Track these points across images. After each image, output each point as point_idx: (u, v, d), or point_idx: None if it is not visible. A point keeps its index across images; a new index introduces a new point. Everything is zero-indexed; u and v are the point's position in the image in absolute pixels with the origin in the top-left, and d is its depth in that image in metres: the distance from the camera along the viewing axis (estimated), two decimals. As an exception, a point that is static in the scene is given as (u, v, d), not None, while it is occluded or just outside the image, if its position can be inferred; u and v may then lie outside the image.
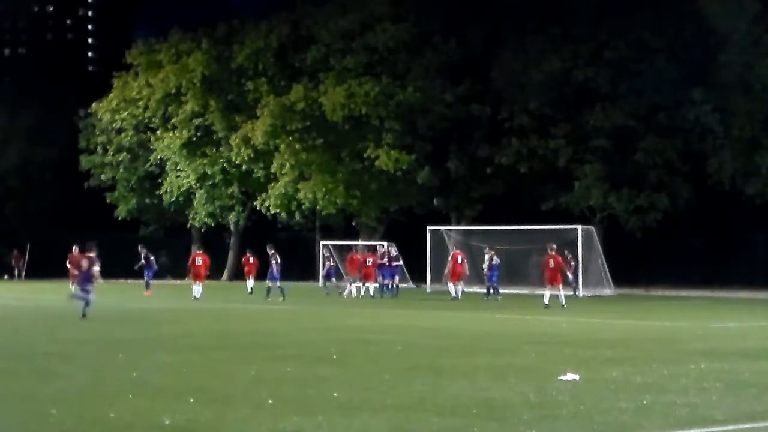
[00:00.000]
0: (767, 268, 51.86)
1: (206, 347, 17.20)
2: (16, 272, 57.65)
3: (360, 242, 51.71)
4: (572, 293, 38.05)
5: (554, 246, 32.53)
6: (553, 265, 31.79)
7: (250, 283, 40.91)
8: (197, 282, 36.72)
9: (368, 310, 29.60)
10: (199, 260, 37.91)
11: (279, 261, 36.61)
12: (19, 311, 28.67)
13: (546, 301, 31.54)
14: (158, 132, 59.84)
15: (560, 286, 32.10)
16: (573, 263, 38.78)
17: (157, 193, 60.30)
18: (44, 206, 66.13)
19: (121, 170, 61.83)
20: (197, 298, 35.69)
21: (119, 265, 53.73)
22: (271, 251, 36.79)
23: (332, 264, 43.88)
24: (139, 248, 39.57)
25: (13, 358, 15.16)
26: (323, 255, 46.34)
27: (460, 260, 38.19)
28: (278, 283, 36.19)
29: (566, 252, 37.78)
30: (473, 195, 52.92)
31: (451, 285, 37.69)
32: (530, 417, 9.86)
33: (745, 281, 48.45)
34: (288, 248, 44.33)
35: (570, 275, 36.69)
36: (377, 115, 50.47)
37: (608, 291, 41.77)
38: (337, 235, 56.59)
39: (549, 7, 50.96)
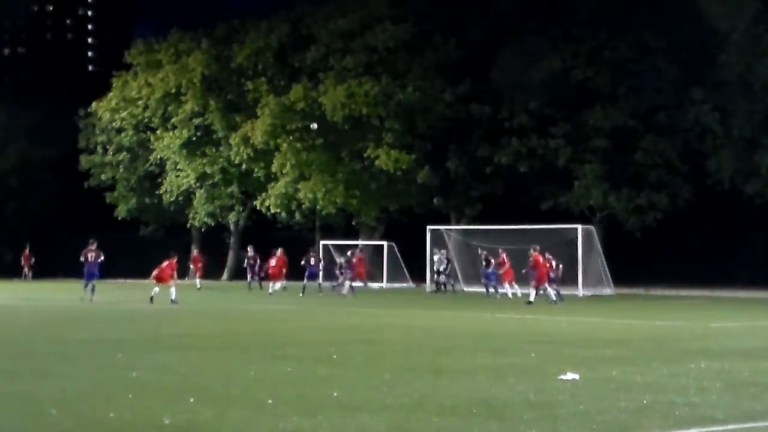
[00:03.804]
0: (767, 268, 51.87)
1: (206, 347, 17.19)
2: (25, 272, 57.21)
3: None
4: (558, 294, 37.77)
5: (537, 247, 34.01)
6: (537, 265, 33.23)
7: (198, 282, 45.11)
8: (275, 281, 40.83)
9: (368, 310, 29.61)
10: (272, 261, 41.53)
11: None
12: (20, 311, 28.66)
13: (553, 298, 32.87)
14: (158, 132, 59.82)
15: (533, 285, 33.55)
16: (560, 265, 38.67)
17: (157, 192, 60.28)
18: (44, 206, 66.11)
19: (121, 170, 61.80)
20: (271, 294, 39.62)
21: (119, 265, 53.79)
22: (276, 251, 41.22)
23: (323, 264, 44.91)
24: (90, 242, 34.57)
25: (13, 358, 15.15)
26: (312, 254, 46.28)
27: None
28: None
29: (548, 255, 37.40)
30: (473, 195, 52.92)
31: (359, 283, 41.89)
32: (530, 417, 9.86)
33: (746, 281, 48.43)
34: (288, 248, 44.36)
35: (552, 275, 36.76)
36: (377, 115, 50.46)
37: (608, 291, 41.79)
38: (337, 235, 56.60)
39: (549, 7, 50.96)
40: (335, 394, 11.26)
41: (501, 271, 38.00)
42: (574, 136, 49.20)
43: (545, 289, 33.61)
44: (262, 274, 44.41)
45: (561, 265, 37.78)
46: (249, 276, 46.06)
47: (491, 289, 38.97)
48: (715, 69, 46.23)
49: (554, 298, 33.74)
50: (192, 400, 10.82)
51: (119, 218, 62.30)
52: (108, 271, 45.92)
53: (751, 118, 46.22)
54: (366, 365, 14.62)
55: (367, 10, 53.14)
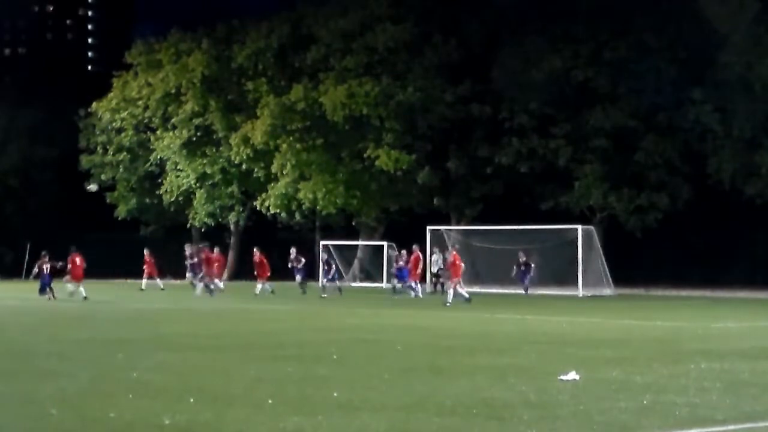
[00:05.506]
0: (767, 268, 51.89)
1: (206, 347, 17.20)
2: None
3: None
4: (524, 293, 40.73)
5: (457, 246, 35.26)
6: (455, 264, 33.59)
7: (154, 282, 43.58)
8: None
9: (368, 310, 29.61)
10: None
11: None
12: (19, 311, 28.66)
13: (449, 299, 32.75)
14: (158, 132, 59.85)
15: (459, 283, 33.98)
16: (532, 264, 40.65)
17: (157, 193, 60.30)
18: (44, 206, 66.11)
19: (121, 170, 61.81)
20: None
21: (119, 265, 53.79)
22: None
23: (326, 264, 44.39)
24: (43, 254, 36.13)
25: (13, 358, 15.16)
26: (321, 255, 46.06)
27: (259, 259, 41.04)
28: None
29: (520, 253, 40.11)
30: (473, 195, 52.90)
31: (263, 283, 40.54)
32: (530, 417, 9.86)
33: (745, 281, 48.45)
34: (288, 248, 44.33)
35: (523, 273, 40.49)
36: (377, 115, 50.45)
37: (608, 291, 41.79)
38: (338, 235, 56.60)
39: (549, 7, 50.95)
40: (335, 394, 11.26)
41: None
42: (575, 136, 49.20)
43: (455, 288, 33.62)
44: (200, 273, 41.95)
45: (532, 264, 39.61)
46: (190, 275, 42.56)
47: (398, 286, 39.83)
48: (716, 69, 46.21)
49: (467, 296, 33.48)
50: (192, 400, 10.83)
51: (119, 218, 62.31)
52: (108, 271, 45.89)
53: (751, 118, 46.21)
54: (366, 365, 14.62)
55: (368, 10, 53.11)
